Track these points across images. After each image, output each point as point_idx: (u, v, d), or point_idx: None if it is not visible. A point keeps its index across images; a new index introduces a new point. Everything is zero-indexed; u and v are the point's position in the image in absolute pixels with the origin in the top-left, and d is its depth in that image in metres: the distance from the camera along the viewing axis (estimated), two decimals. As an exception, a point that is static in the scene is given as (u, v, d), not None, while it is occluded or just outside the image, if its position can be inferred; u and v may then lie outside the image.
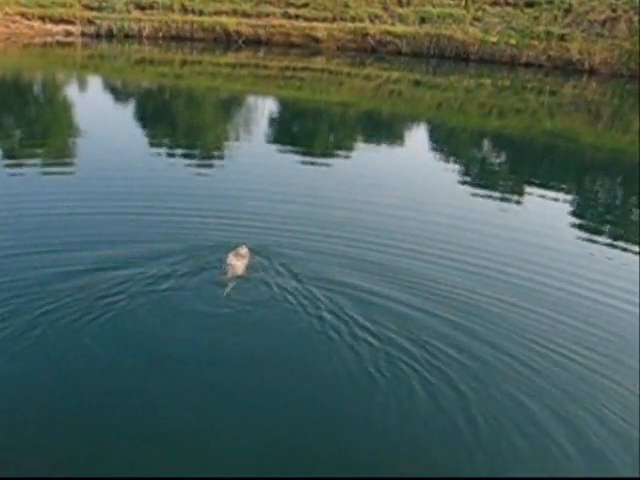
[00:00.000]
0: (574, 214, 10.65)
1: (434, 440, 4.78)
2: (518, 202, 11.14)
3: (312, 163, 13.30)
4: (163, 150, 14.19)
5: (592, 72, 30.06)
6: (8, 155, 13.11)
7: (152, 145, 14.72)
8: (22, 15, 40.26)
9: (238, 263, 6.64)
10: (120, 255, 7.19)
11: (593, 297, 7.04)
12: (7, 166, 11.92)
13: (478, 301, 6.71)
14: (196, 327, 5.98)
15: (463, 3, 38.18)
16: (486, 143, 17.56)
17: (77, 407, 5.14)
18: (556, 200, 11.23)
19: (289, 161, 13.39)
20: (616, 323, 6.48)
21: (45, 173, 11.54)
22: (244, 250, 6.83)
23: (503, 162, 15.21)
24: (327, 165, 13.24)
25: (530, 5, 36.80)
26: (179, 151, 14.18)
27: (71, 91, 24.36)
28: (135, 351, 5.73)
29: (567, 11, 35.18)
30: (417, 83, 27.58)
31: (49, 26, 39.94)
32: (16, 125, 17.01)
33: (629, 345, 6.07)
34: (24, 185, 10.55)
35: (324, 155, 14.26)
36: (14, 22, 39.62)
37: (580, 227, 9.75)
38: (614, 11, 33.79)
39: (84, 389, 5.31)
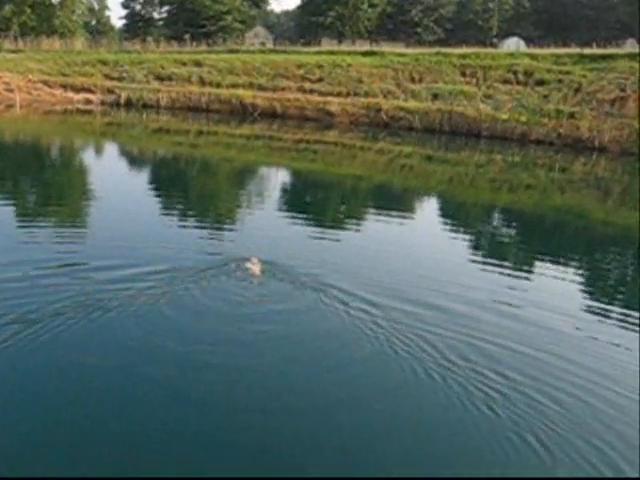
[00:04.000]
0: (584, 290, 10.64)
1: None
2: (527, 277, 11.12)
3: (323, 233, 13.42)
4: (176, 216, 14.49)
5: (602, 150, 30.38)
6: (23, 216, 13.45)
7: (165, 211, 14.95)
8: (44, 83, 41.48)
9: (255, 267, 8.94)
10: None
11: (601, 371, 7.03)
12: (21, 227, 12.22)
13: (481, 372, 6.70)
14: (228, 315, 7.84)
15: (474, 81, 39.04)
16: (496, 218, 17.66)
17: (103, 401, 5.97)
18: (566, 276, 11.22)
19: (299, 230, 13.52)
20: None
21: (59, 234, 11.77)
22: (255, 259, 9.12)
23: (513, 237, 15.26)
24: (338, 235, 13.34)
25: (540, 84, 37.59)
26: (192, 217, 14.49)
27: (88, 157, 24.89)
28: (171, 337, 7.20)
29: (577, 90, 35.87)
30: (429, 158, 27.99)
31: (70, 94, 41.06)
32: (33, 188, 17.36)
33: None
34: (38, 245, 10.74)
35: (335, 225, 14.39)
36: (36, 89, 40.78)
37: (590, 303, 9.71)
38: (623, 90, 34.43)
39: (109, 384, 6.28)
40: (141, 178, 20.28)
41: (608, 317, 9.01)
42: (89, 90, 41.53)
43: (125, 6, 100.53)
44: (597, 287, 11.20)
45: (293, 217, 15.03)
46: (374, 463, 5.27)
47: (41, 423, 5.52)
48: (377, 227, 14.60)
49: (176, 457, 5.14)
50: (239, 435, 5.50)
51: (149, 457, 5.17)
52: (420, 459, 5.42)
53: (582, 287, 10.90)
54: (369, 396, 6.39)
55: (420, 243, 13.29)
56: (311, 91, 40.46)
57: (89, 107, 39.55)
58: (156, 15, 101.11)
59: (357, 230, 14.32)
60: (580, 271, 12.13)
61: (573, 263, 12.59)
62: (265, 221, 14.38)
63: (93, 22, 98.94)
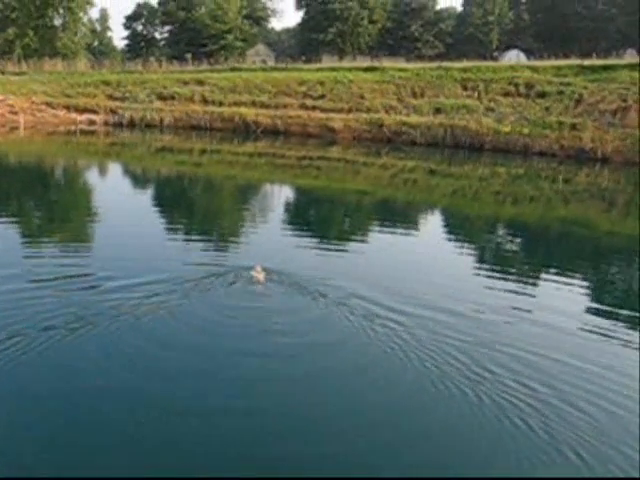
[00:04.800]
0: (592, 300, 10.60)
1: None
2: (535, 288, 11.08)
3: (328, 246, 13.51)
4: (180, 232, 14.63)
5: (605, 160, 30.41)
6: (29, 234, 13.59)
7: (170, 228, 15.02)
8: (48, 104, 41.73)
9: (259, 275, 9.32)
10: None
11: (606, 377, 7.03)
12: (26, 244, 12.40)
13: (488, 384, 6.68)
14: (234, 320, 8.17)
15: (476, 94, 39.15)
16: (501, 230, 17.64)
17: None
18: (572, 286, 11.20)
19: (304, 244, 13.51)
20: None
21: (64, 251, 11.89)
22: (259, 267, 9.48)
23: (518, 249, 15.25)
24: (342, 248, 13.38)
25: (541, 96, 37.67)
26: (196, 233, 14.59)
27: (92, 177, 25.01)
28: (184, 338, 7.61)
29: (578, 101, 35.95)
30: (432, 172, 28.01)
31: (73, 115, 41.29)
32: (38, 207, 17.46)
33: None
34: (42, 265, 10.70)
35: (340, 239, 14.41)
36: (40, 111, 41.01)
37: (597, 313, 9.67)
38: (624, 101, 34.49)
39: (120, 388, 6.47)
40: (145, 196, 20.35)
41: (615, 326, 8.96)
42: (92, 111, 41.78)
43: (127, 27, 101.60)
44: (604, 297, 11.16)
45: (298, 232, 15.06)
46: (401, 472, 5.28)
47: (44, 432, 5.61)
48: (382, 241, 14.61)
49: (180, 468, 5.16)
50: (249, 444, 5.52)
51: (152, 466, 5.22)
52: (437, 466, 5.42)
53: (589, 297, 10.86)
54: (381, 401, 6.40)
55: (425, 256, 13.26)
56: (313, 108, 40.63)
57: (92, 128, 39.77)
58: (158, 35, 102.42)
59: (362, 244, 14.30)
60: (586, 281, 12.10)
61: (578, 273, 12.54)
62: (269, 236, 14.41)
63: (95, 43, 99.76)
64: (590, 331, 8.71)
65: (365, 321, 8.19)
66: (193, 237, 14.10)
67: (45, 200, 18.87)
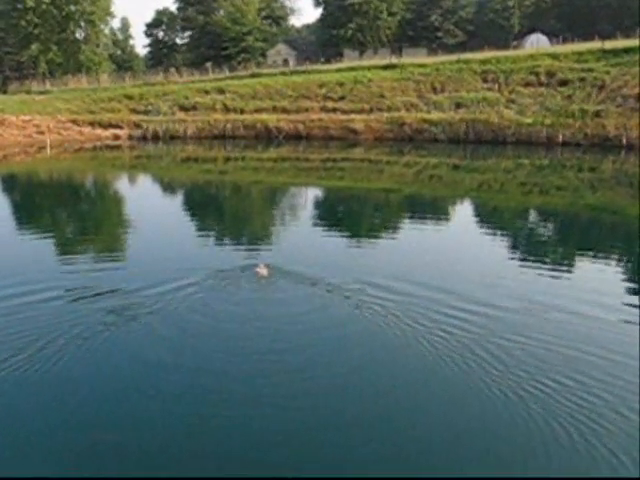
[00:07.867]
0: (627, 283, 10.60)
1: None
2: (569, 274, 11.04)
3: (359, 243, 13.75)
4: (206, 239, 14.84)
5: (630, 147, 30.16)
6: (64, 249, 13.81)
7: (196, 235, 15.20)
8: (73, 122, 42.29)
9: (263, 270, 9.97)
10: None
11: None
12: (62, 260, 12.57)
13: (525, 369, 6.69)
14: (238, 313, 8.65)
15: (496, 86, 38.99)
16: (531, 219, 17.59)
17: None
18: (607, 270, 11.24)
19: (336, 244, 13.65)
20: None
21: (99, 263, 12.06)
22: (263, 264, 10.18)
23: (549, 236, 15.18)
24: (373, 247, 13.50)
25: (563, 84, 37.39)
26: (221, 239, 14.83)
27: (121, 188, 25.35)
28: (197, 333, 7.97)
29: (600, 87, 35.63)
30: (456, 167, 28.02)
31: (98, 131, 41.83)
32: (71, 222, 17.79)
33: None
34: (78, 276, 10.86)
35: (368, 238, 14.50)
36: (66, 129, 41.58)
37: (633, 296, 9.67)
38: (647, 84, 34.12)
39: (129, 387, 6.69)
40: (172, 204, 20.57)
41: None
42: (116, 126, 42.32)
43: (148, 34, 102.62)
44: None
45: (324, 231, 15.23)
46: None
47: (77, 438, 5.76)
48: (412, 236, 14.67)
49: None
50: (260, 437, 5.65)
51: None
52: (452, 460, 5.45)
53: (625, 281, 10.83)
54: (393, 394, 6.51)
55: (456, 249, 13.26)
56: (334, 110, 40.79)
57: (117, 142, 40.26)
58: (179, 41, 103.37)
59: (391, 240, 14.38)
60: (620, 265, 12.09)
61: (612, 258, 12.51)
62: (298, 237, 14.54)
63: (118, 52, 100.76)
64: (627, 320, 8.65)
65: (391, 314, 8.29)
66: (218, 241, 14.42)
67: (77, 212, 19.19)
